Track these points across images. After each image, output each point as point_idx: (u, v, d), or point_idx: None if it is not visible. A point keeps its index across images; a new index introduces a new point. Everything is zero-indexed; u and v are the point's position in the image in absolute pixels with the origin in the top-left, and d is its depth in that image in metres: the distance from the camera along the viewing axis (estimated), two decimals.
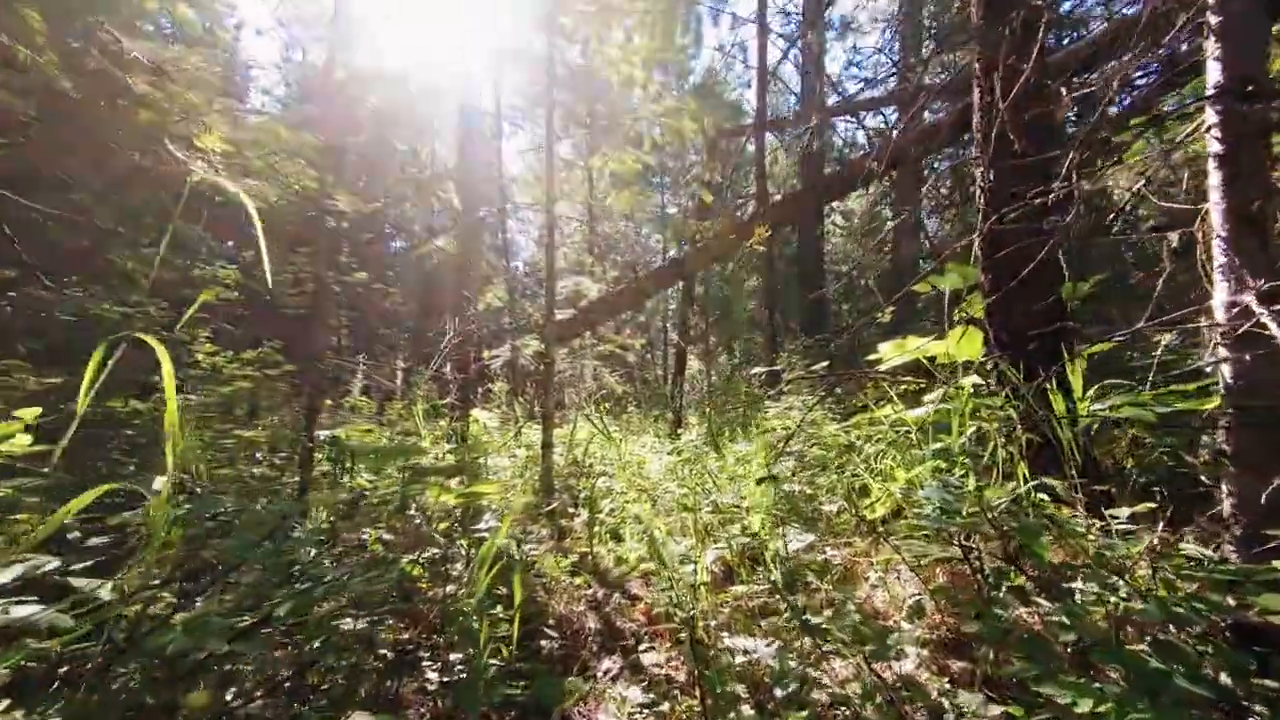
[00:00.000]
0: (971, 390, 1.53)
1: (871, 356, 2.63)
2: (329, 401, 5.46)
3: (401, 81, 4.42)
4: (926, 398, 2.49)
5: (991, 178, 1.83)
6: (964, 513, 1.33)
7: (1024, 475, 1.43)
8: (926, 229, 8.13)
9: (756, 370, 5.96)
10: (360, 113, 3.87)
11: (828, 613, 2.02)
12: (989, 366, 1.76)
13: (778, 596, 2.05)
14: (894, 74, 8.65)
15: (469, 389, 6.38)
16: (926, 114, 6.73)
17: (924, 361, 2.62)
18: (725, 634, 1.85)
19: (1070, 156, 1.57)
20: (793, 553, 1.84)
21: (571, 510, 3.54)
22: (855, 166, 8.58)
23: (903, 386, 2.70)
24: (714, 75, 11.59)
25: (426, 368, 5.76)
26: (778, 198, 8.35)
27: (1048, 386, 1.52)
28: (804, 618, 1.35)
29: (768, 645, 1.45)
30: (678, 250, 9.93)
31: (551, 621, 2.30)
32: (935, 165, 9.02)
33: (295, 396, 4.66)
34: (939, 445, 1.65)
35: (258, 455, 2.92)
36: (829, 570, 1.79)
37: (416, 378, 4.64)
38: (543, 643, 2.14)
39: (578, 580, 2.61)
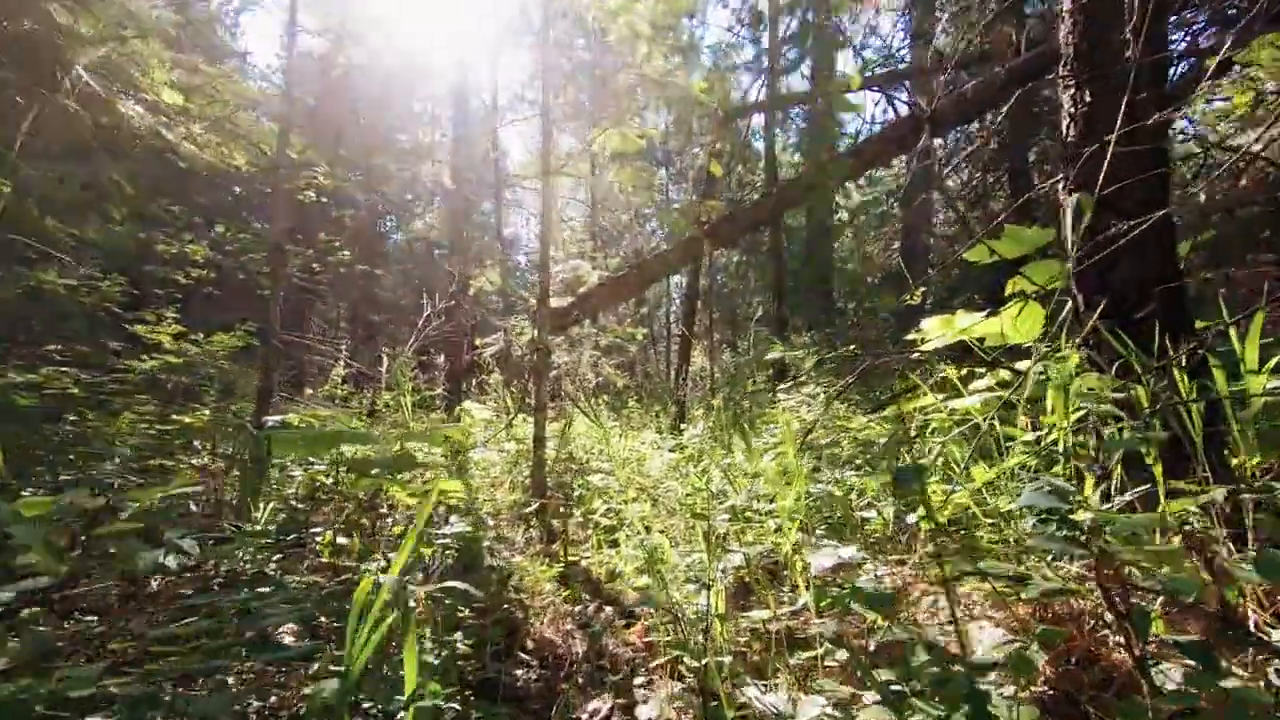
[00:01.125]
0: (1075, 369, 1.15)
1: (911, 335, 2.25)
2: (309, 390, 5.10)
3: (385, 45, 4.06)
4: (973, 385, 2.11)
5: (1087, 98, 1.44)
6: (1090, 528, 0.95)
7: (1161, 479, 1.07)
8: (952, 201, 7.71)
9: (770, 355, 5.59)
10: (334, 73, 3.50)
11: (871, 645, 1.66)
12: (1081, 339, 1.38)
13: (803, 619, 1.68)
14: (909, 46, 8.27)
15: (459, 378, 6.01)
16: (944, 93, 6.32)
17: (973, 344, 2.24)
18: (743, 671, 1.48)
19: (1217, 47, 1.18)
20: (826, 569, 1.46)
21: (563, 510, 3.18)
22: (864, 152, 8.18)
23: (944, 372, 2.31)
24: (723, 54, 11.14)
25: (414, 354, 5.39)
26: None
27: (1174, 364, 1.15)
28: (864, 667, 0.98)
29: (807, 702, 1.08)
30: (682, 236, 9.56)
31: (530, 644, 1.94)
32: (944, 161, 8.62)
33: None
34: (1030, 436, 1.27)
35: (195, 444, 2.56)
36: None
37: (400, 364, 4.27)
38: (518, 672, 1.78)
39: (565, 593, 2.25)
